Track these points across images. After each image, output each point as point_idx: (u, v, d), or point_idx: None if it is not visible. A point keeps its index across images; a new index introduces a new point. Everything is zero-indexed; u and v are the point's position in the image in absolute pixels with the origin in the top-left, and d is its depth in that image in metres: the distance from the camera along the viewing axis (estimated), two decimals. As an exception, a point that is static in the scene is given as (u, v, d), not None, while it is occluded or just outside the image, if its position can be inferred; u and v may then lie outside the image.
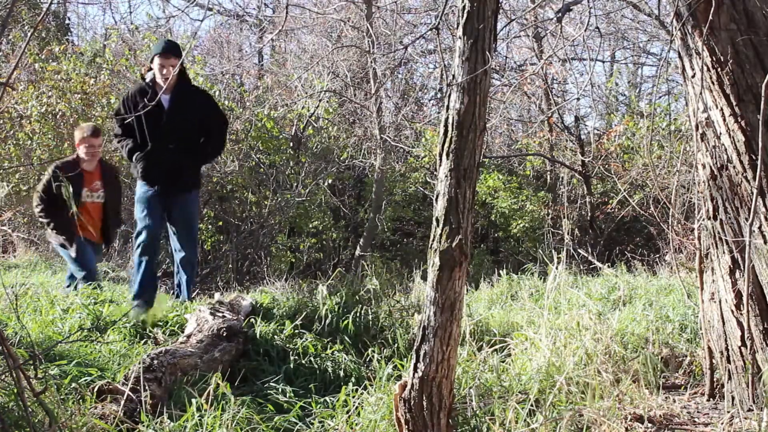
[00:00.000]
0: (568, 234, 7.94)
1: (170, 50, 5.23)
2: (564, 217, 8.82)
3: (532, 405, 3.32)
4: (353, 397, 3.53)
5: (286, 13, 5.02)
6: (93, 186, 6.29)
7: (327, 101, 11.79)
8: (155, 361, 3.52)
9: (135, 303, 5.16)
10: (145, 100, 4.95)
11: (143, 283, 5.45)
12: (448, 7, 4.15)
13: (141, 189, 5.46)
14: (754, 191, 3.25)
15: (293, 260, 11.63)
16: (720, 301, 3.72)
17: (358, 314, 4.78)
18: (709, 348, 3.91)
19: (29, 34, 10.23)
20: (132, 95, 5.38)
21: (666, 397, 3.90)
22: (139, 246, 5.49)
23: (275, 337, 4.56)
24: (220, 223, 11.01)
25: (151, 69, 5.38)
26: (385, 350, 4.37)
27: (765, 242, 3.40)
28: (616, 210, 10.74)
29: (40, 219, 6.25)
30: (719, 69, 3.45)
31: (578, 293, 5.75)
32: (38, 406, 2.76)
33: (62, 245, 6.17)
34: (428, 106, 14.92)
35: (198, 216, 5.98)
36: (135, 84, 6.02)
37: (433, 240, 2.85)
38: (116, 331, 4.51)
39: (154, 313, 4.76)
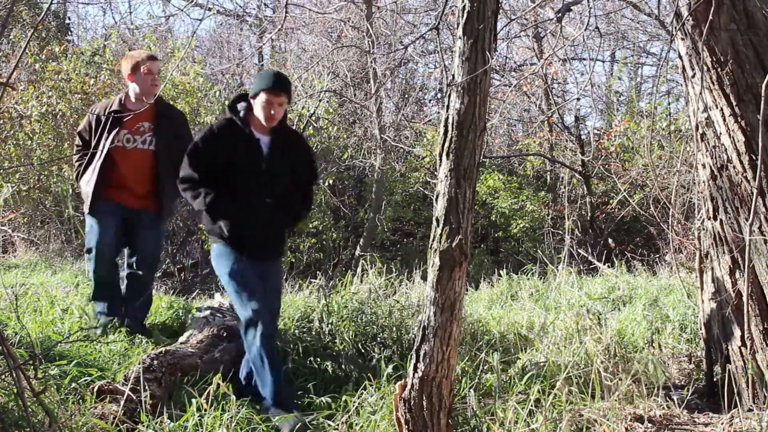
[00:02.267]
0: (569, 234, 7.95)
1: (281, 86, 3.91)
2: (567, 218, 8.82)
3: (532, 405, 3.32)
4: (353, 397, 3.53)
5: (285, 12, 4.88)
6: (137, 128, 4.66)
7: (327, 101, 11.79)
8: (155, 362, 3.53)
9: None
10: (241, 140, 3.89)
11: (276, 381, 3.73)
12: (448, 7, 4.15)
13: (224, 253, 3.89)
14: (754, 191, 3.25)
15: (293, 260, 11.62)
16: (720, 301, 3.72)
17: (358, 314, 4.78)
18: (709, 348, 3.91)
19: (29, 34, 10.24)
20: (218, 131, 3.93)
21: (666, 397, 3.90)
22: (258, 334, 3.74)
23: (275, 337, 4.56)
24: (220, 223, 11.02)
25: (241, 102, 4.02)
26: (385, 350, 4.37)
27: (765, 242, 3.39)
28: (616, 210, 10.74)
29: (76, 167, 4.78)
30: (719, 69, 3.45)
31: (578, 293, 5.76)
32: (38, 406, 2.76)
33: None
34: (428, 106, 14.93)
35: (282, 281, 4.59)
36: (219, 119, 4.52)
37: (433, 240, 2.85)
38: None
39: None
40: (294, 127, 4.78)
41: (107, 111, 4.68)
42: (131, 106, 4.65)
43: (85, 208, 4.65)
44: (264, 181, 3.84)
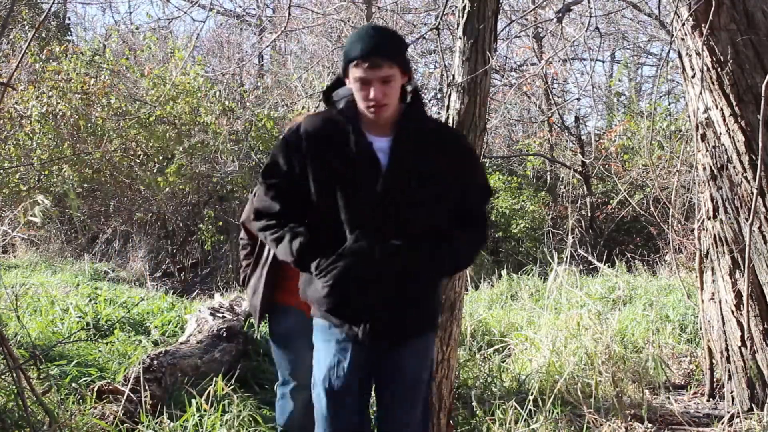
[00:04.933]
0: (570, 234, 7.95)
1: (378, 50, 2.27)
2: (570, 218, 8.82)
3: (532, 405, 3.32)
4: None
5: (288, 13, 4.87)
6: None
7: (327, 101, 11.76)
8: (155, 362, 3.52)
9: None
10: (344, 146, 2.34)
11: None
12: (448, 7, 4.15)
13: (320, 324, 2.44)
14: (754, 191, 3.25)
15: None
16: (720, 301, 3.73)
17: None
18: (709, 348, 3.91)
19: (30, 35, 10.25)
20: (306, 134, 2.38)
21: (666, 397, 3.90)
22: None
23: (275, 337, 4.56)
24: (220, 224, 11.01)
25: (335, 88, 2.45)
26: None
27: (765, 242, 3.40)
28: (616, 210, 10.74)
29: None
30: (719, 69, 3.45)
31: (578, 293, 5.76)
32: (38, 406, 2.76)
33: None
34: (428, 106, 14.93)
35: (429, 369, 2.53)
36: (312, 116, 2.53)
37: (433, 240, 2.79)
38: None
39: None
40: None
41: None
42: None
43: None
44: (384, 212, 2.30)
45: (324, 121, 2.39)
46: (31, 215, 3.83)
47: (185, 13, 4.88)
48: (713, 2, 3.32)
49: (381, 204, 2.29)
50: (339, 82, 2.41)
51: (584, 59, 13.58)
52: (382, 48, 2.27)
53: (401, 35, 2.45)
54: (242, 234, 3.17)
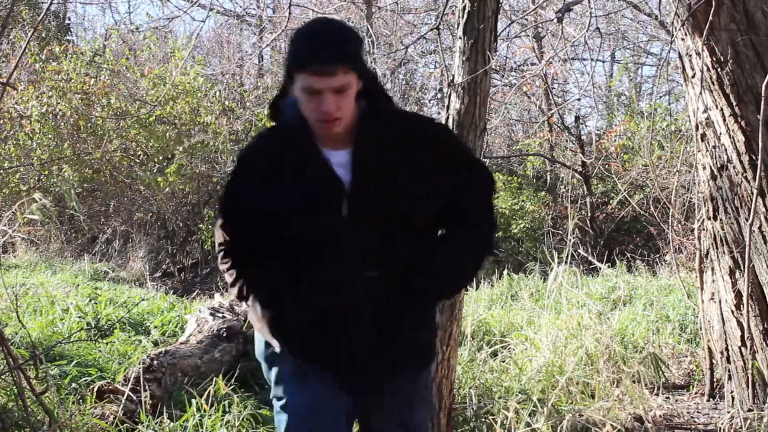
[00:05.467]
0: (571, 234, 7.95)
1: (332, 54, 1.80)
2: (572, 219, 8.83)
3: (532, 405, 3.32)
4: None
5: (289, 13, 4.88)
6: None
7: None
8: (155, 362, 3.52)
9: None
10: (297, 166, 1.93)
11: None
12: (448, 7, 4.15)
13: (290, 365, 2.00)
14: (754, 191, 3.25)
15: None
16: (720, 301, 3.73)
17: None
18: (709, 348, 3.91)
19: (29, 34, 10.24)
20: (257, 154, 2.02)
21: (666, 397, 3.90)
22: None
23: (275, 337, 4.56)
24: (220, 223, 11.02)
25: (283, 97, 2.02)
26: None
27: (765, 242, 3.40)
28: (616, 210, 10.74)
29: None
30: (719, 69, 3.45)
31: (578, 293, 5.75)
32: (38, 406, 2.76)
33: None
34: (428, 106, 14.92)
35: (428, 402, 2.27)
36: (264, 133, 2.09)
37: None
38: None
39: None
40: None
41: None
42: None
43: None
44: (355, 240, 1.87)
45: (275, 138, 1.96)
46: (29, 213, 3.80)
47: (185, 12, 4.88)
48: (713, 2, 3.32)
49: (348, 230, 1.85)
50: (286, 89, 1.94)
51: (584, 59, 13.59)
52: (335, 50, 1.78)
53: (355, 29, 1.98)
54: (219, 236, 2.11)
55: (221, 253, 2.02)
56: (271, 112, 1.99)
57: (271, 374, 2.02)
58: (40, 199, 3.80)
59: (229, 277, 2.00)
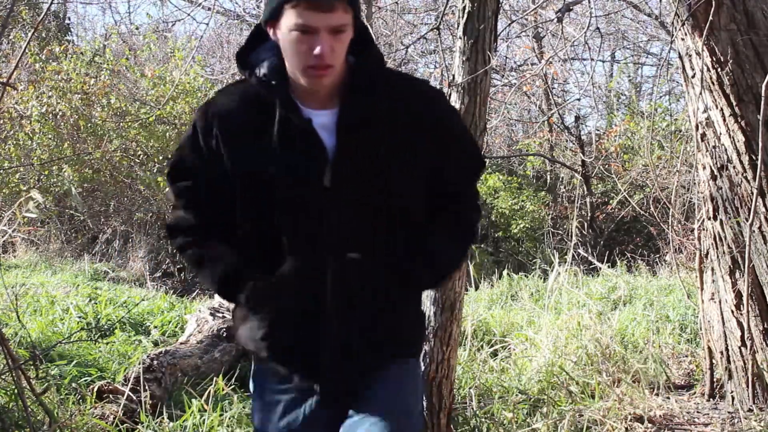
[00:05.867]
0: (574, 235, 7.96)
1: None
2: (573, 219, 8.83)
3: (532, 405, 3.33)
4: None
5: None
6: None
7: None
8: (155, 362, 3.52)
9: None
10: (270, 127, 1.63)
11: None
12: (448, 7, 4.15)
13: (261, 373, 1.87)
14: (754, 191, 3.25)
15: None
16: (720, 301, 3.73)
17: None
18: (709, 348, 3.91)
19: (29, 34, 10.25)
20: (220, 119, 1.67)
21: (666, 397, 3.90)
22: None
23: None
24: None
25: (261, 44, 1.68)
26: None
27: (765, 242, 3.40)
28: (616, 210, 10.74)
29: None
30: (719, 69, 3.45)
31: (578, 293, 5.76)
32: (38, 406, 2.76)
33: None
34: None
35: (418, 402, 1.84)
36: (224, 90, 1.76)
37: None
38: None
39: None
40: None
41: None
42: None
43: None
44: (337, 214, 1.64)
45: (241, 95, 1.67)
46: (26, 211, 3.81)
47: (188, 15, 4.83)
48: (713, 2, 3.32)
49: (331, 204, 1.60)
50: (258, 38, 1.66)
51: (584, 59, 13.58)
52: None
53: None
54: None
55: (176, 236, 1.75)
56: (241, 61, 1.66)
57: (251, 389, 1.86)
58: (36, 196, 3.78)
59: (192, 261, 1.74)
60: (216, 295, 5.92)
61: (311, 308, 1.64)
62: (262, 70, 1.62)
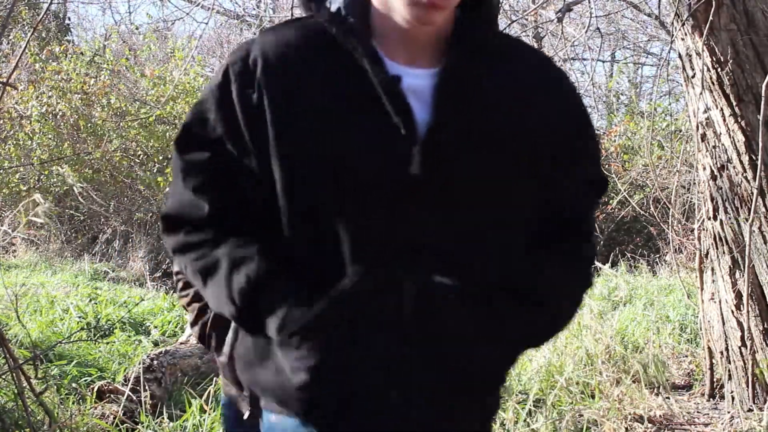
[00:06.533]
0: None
1: None
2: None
3: (532, 405, 3.32)
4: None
5: (291, 14, 4.86)
6: None
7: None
8: (155, 362, 3.53)
9: None
10: (343, 84, 1.08)
11: None
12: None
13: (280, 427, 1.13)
14: (754, 191, 3.25)
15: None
16: (720, 301, 3.73)
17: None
18: (709, 348, 3.91)
19: (29, 34, 10.25)
20: (267, 65, 1.08)
21: (666, 397, 3.90)
22: None
23: (275, 337, 4.56)
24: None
25: None
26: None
27: (765, 242, 3.40)
28: (616, 210, 10.75)
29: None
30: (719, 69, 3.45)
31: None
32: (38, 406, 2.76)
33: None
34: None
35: None
36: (276, 28, 1.13)
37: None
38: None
39: None
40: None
41: None
42: None
43: None
44: (422, 216, 1.08)
45: (303, 35, 1.13)
46: (33, 215, 3.81)
47: (188, 14, 4.84)
48: (713, 2, 3.32)
49: (416, 200, 1.08)
50: None
51: (584, 59, 13.59)
52: None
53: None
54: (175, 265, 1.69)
55: (176, 235, 1.16)
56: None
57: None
58: (41, 201, 3.78)
59: (195, 270, 1.14)
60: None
61: (381, 348, 1.07)
62: (336, 3, 1.10)
